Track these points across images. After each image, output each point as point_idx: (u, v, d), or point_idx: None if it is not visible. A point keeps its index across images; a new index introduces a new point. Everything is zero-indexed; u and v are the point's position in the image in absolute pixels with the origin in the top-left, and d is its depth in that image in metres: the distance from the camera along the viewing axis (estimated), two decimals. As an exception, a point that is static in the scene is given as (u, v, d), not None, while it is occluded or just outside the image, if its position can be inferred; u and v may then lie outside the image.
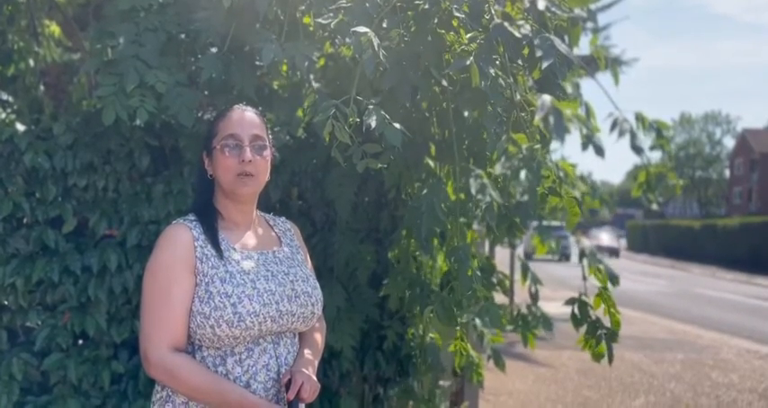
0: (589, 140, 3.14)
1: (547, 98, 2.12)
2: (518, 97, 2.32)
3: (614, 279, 3.01)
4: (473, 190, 2.37)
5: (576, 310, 2.98)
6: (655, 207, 3.12)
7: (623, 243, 33.30)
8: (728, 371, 7.64)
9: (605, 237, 34.41)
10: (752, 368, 7.87)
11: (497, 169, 2.67)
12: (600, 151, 3.10)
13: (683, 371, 7.57)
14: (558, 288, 12.47)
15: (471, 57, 2.12)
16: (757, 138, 51.82)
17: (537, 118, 2.15)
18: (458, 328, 2.75)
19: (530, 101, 2.40)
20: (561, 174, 2.60)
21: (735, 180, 55.11)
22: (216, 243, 1.77)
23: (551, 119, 2.09)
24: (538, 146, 2.32)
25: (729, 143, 61.05)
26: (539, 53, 2.12)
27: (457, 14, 2.22)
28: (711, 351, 8.87)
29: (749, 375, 7.50)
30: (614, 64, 3.05)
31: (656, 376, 7.29)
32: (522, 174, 2.28)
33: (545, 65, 2.10)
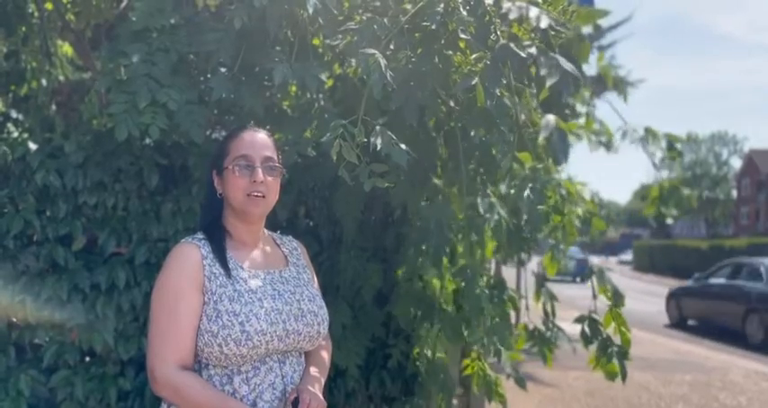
0: (599, 143, 3.14)
1: (551, 118, 2.13)
2: (523, 117, 2.35)
3: (619, 298, 3.01)
4: (481, 209, 2.38)
5: (587, 328, 2.97)
6: (670, 221, 3.12)
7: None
8: (737, 393, 7.57)
9: None
10: (760, 390, 7.79)
11: (502, 188, 2.69)
12: (610, 148, 3.11)
13: (690, 393, 7.51)
14: (567, 308, 12.40)
15: (477, 78, 2.15)
16: (764, 159, 51.72)
17: (541, 137, 2.16)
18: (475, 348, 2.75)
19: (534, 120, 2.42)
20: (564, 192, 2.61)
21: (742, 200, 54.95)
22: (224, 262, 1.78)
23: (555, 140, 2.10)
24: (540, 165, 2.33)
25: (736, 163, 60.87)
26: (543, 72, 2.14)
27: (463, 36, 2.25)
28: (719, 373, 8.79)
29: (757, 397, 7.43)
30: (621, 82, 3.08)
31: (664, 397, 7.22)
32: (526, 193, 2.29)
33: (549, 83, 2.12)
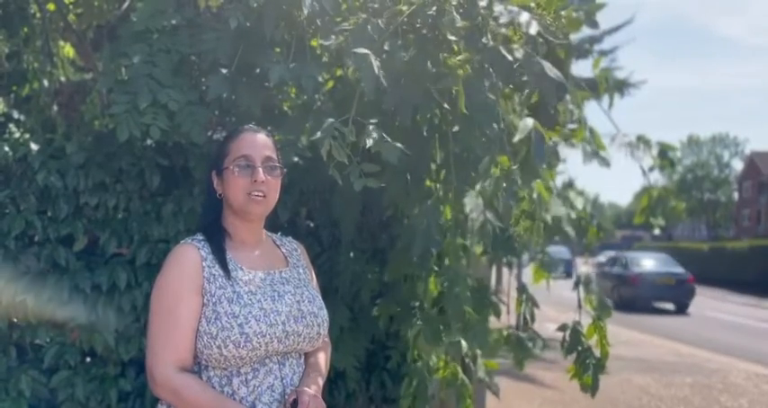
0: (593, 154, 3.13)
1: (529, 120, 2.14)
2: (504, 121, 2.34)
3: (605, 310, 2.99)
4: (467, 210, 2.38)
5: (568, 337, 2.96)
6: (657, 232, 3.11)
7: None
8: (738, 395, 7.56)
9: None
10: (761, 393, 7.78)
11: (477, 186, 2.69)
12: (604, 162, 3.10)
13: (691, 395, 7.50)
14: (564, 309, 12.41)
15: (459, 83, 2.16)
16: (765, 161, 51.65)
17: (516, 138, 2.16)
18: (444, 351, 2.74)
19: (517, 125, 2.42)
20: (535, 196, 2.61)
21: (743, 202, 54.87)
22: (224, 264, 1.78)
23: (532, 141, 2.10)
24: (515, 166, 2.33)
25: (738, 165, 60.79)
26: (526, 78, 2.14)
27: (452, 38, 2.25)
28: (720, 375, 8.78)
29: (758, 399, 7.43)
30: (611, 89, 3.06)
31: (665, 399, 7.22)
32: (501, 193, 2.29)
33: (533, 90, 2.12)
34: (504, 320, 3.75)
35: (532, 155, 2.19)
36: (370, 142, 2.04)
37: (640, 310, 17.30)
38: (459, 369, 3.01)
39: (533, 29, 2.14)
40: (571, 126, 3.05)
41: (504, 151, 2.39)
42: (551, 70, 2.11)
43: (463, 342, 2.69)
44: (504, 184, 2.29)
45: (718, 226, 61.42)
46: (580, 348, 2.91)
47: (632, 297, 17.86)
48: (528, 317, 3.22)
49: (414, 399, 3.13)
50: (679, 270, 18.56)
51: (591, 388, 2.90)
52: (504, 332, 3.36)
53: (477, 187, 2.38)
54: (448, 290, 2.53)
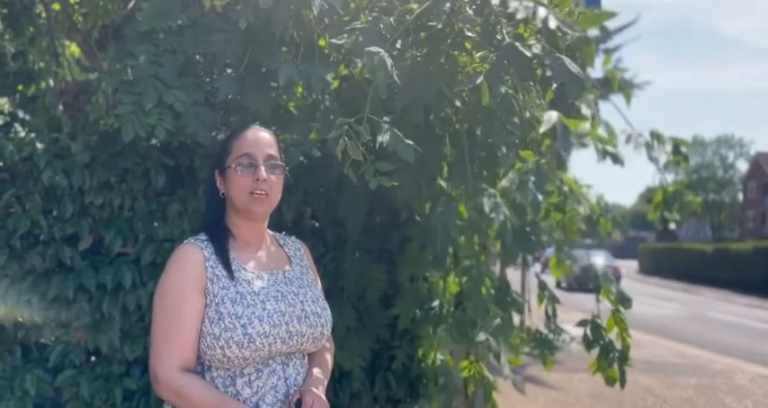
0: (606, 152, 3.12)
1: (553, 113, 2.12)
2: (528, 115, 2.33)
3: (626, 301, 3.00)
4: (486, 209, 2.37)
5: (589, 332, 2.96)
6: (673, 226, 3.10)
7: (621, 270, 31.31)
8: (742, 397, 7.54)
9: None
10: (765, 394, 7.76)
11: (504, 182, 2.68)
12: (617, 160, 3.10)
13: (696, 396, 7.48)
14: (570, 309, 12.41)
15: (482, 77, 2.15)
16: (770, 162, 51.53)
17: (541, 130, 2.15)
18: (472, 349, 2.75)
19: (539, 118, 2.41)
20: (566, 189, 2.60)
21: (748, 203, 54.74)
22: (227, 264, 1.77)
23: (557, 134, 2.08)
24: (543, 160, 2.32)
25: (742, 166, 60.62)
26: (548, 73, 2.13)
27: (469, 34, 2.24)
28: (725, 376, 8.75)
29: (763, 400, 7.40)
30: (626, 85, 3.06)
31: (669, 400, 7.20)
32: (529, 186, 2.29)
33: (555, 85, 2.11)
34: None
35: (558, 147, 2.17)
36: (384, 139, 2.03)
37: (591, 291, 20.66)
38: (485, 368, 3.01)
39: (552, 23, 2.12)
40: (580, 124, 3.05)
41: (529, 145, 2.39)
42: (572, 65, 2.10)
43: (491, 341, 2.69)
44: (533, 178, 2.28)
45: (722, 227, 61.27)
46: (602, 342, 2.92)
47: (579, 283, 22.93)
48: (550, 313, 3.22)
49: (443, 394, 3.14)
50: (613, 264, 24.09)
51: (619, 381, 2.91)
52: (523, 331, 3.38)
53: (504, 183, 2.38)
54: (471, 289, 2.53)
